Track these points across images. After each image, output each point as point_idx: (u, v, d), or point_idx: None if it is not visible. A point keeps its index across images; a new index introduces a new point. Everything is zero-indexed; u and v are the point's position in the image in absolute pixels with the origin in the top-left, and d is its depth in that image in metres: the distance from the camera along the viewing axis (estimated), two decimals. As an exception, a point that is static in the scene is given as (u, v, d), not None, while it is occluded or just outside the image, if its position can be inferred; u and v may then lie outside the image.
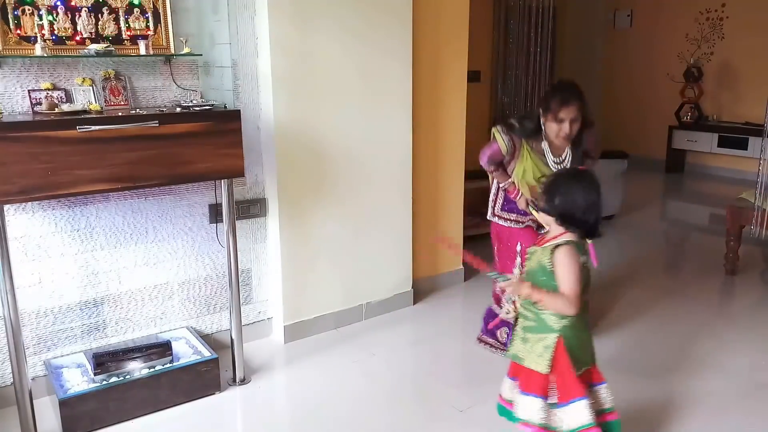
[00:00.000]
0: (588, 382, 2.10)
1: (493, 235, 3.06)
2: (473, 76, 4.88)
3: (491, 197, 3.05)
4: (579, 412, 2.01)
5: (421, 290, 3.82)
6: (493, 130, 2.92)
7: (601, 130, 8.50)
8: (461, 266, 4.07)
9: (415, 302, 3.72)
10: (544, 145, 2.83)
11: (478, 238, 4.28)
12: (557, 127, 2.72)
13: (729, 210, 4.15)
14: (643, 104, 8.06)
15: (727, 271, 4.22)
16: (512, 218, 2.94)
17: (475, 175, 4.79)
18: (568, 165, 2.83)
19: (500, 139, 2.86)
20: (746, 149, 6.98)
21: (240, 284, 2.95)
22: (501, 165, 2.94)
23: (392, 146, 3.45)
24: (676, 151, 7.71)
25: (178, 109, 2.54)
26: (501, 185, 2.95)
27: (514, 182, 2.89)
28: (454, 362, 3.14)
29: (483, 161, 2.96)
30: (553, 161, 2.85)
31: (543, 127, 2.81)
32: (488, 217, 3.04)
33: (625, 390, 2.56)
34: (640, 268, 4.30)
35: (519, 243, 2.87)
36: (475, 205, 5.04)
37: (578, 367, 2.05)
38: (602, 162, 5.32)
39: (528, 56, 5.53)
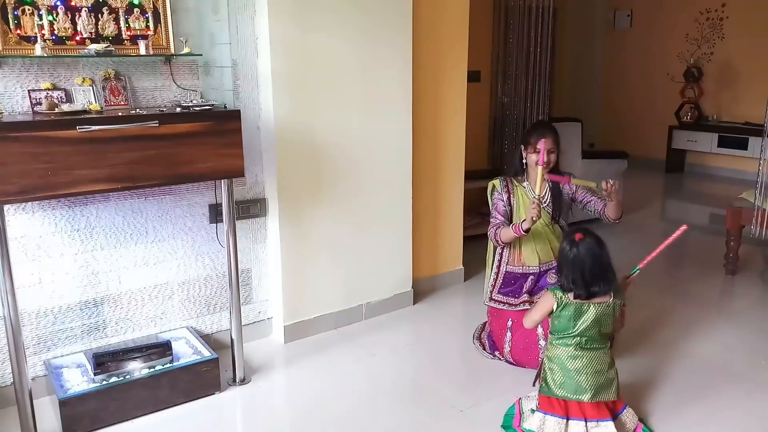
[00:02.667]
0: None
1: (489, 311, 3.20)
2: (473, 76, 4.87)
3: (491, 282, 3.18)
4: None
5: (421, 290, 3.82)
6: (490, 183, 3.19)
7: (601, 130, 8.50)
8: (461, 266, 4.07)
9: (415, 302, 3.72)
10: (526, 184, 3.11)
11: (478, 238, 4.28)
12: (536, 157, 3.00)
13: (729, 210, 4.15)
14: (643, 104, 8.07)
15: (727, 271, 4.23)
16: (506, 301, 3.08)
17: (475, 175, 4.80)
18: (549, 203, 3.07)
19: (497, 184, 3.12)
20: (746, 149, 6.99)
21: (240, 284, 2.95)
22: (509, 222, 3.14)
23: (392, 146, 3.45)
24: (676, 151, 7.71)
25: (178, 109, 2.54)
26: (520, 230, 2.93)
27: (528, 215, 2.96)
28: (454, 362, 3.14)
29: (494, 224, 3.10)
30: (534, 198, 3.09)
31: (525, 163, 3.10)
32: (485, 302, 3.18)
33: (623, 390, 2.55)
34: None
35: (510, 319, 3.02)
36: (475, 205, 5.05)
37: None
38: (602, 162, 5.38)
39: (528, 56, 5.51)
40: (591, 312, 2.32)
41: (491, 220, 3.14)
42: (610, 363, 2.40)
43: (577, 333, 2.34)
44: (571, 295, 2.35)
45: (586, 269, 2.30)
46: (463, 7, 3.74)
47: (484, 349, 3.12)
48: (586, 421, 2.33)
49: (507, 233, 3.00)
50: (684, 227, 2.56)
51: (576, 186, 3.08)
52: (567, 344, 2.36)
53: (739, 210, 4.08)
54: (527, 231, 2.89)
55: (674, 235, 2.55)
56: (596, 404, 2.34)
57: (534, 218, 2.82)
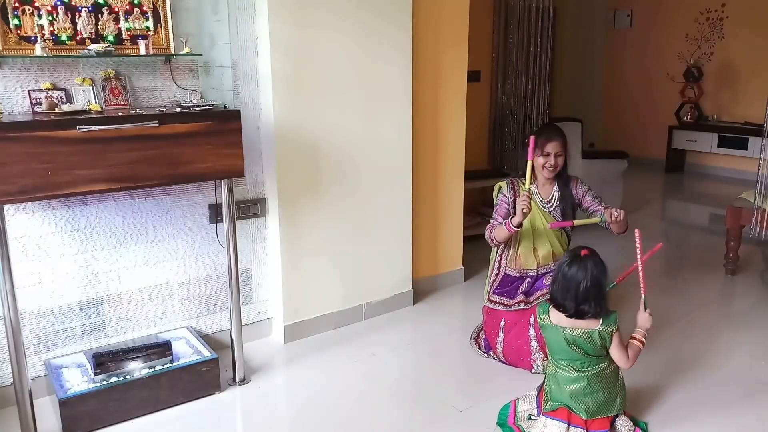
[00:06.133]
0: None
1: (483, 311, 3.19)
2: (473, 76, 4.88)
3: (489, 282, 3.20)
4: None
5: (421, 290, 3.82)
6: (497, 184, 3.19)
7: (601, 130, 8.50)
8: (461, 266, 4.07)
9: (415, 302, 3.72)
10: (533, 187, 3.10)
11: (478, 238, 4.27)
12: (544, 160, 3.02)
13: (729, 210, 4.15)
14: (643, 104, 8.06)
15: (727, 271, 4.22)
16: (500, 301, 3.07)
17: (475, 175, 4.80)
18: (556, 207, 3.07)
19: (504, 186, 3.13)
20: (746, 149, 6.99)
21: (240, 284, 2.95)
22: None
23: (392, 146, 3.45)
24: (676, 151, 7.71)
25: (178, 109, 2.54)
26: (510, 226, 2.96)
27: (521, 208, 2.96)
28: (454, 362, 3.14)
29: (491, 227, 3.10)
30: (541, 200, 3.09)
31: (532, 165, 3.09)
32: (484, 303, 3.18)
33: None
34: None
35: (503, 319, 3.01)
36: (475, 205, 5.05)
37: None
38: (602, 162, 5.37)
39: (528, 56, 5.51)
40: (569, 337, 2.29)
41: (491, 221, 3.14)
42: (611, 381, 2.35)
43: (563, 357, 2.34)
44: (552, 316, 2.34)
45: (582, 287, 2.26)
46: (463, 7, 3.74)
47: (480, 348, 3.13)
48: (586, 431, 2.34)
49: (500, 232, 3.00)
50: (659, 245, 2.56)
51: (583, 192, 3.08)
52: (563, 366, 2.35)
53: (739, 210, 4.08)
54: (519, 226, 2.89)
55: (649, 253, 2.54)
56: (596, 420, 2.34)
57: (524, 210, 2.82)
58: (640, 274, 2.48)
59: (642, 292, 2.47)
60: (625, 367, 2.38)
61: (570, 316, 2.30)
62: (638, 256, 2.48)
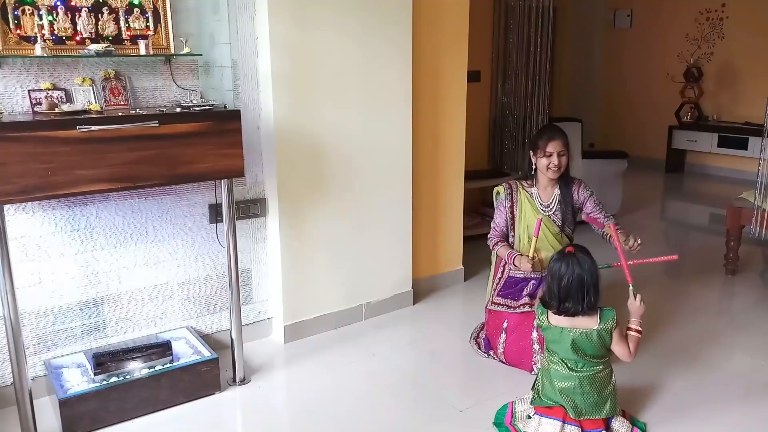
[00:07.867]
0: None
1: (486, 312, 3.18)
2: (473, 76, 4.87)
3: (492, 285, 3.20)
4: None
5: (421, 290, 3.82)
6: (495, 189, 3.21)
7: (601, 130, 8.50)
8: (461, 266, 4.07)
9: (415, 302, 3.72)
10: (534, 190, 3.11)
11: (478, 238, 4.28)
12: (547, 161, 3.00)
13: (729, 210, 4.15)
14: (643, 104, 8.06)
15: (727, 271, 4.22)
16: (505, 303, 3.07)
17: (475, 175, 4.80)
18: (556, 211, 3.07)
19: (501, 191, 3.15)
20: (746, 149, 6.99)
21: (240, 284, 2.95)
22: (506, 238, 3.15)
23: (392, 146, 3.45)
24: (676, 151, 7.71)
25: (178, 109, 2.54)
26: (511, 262, 3.03)
27: (520, 253, 3.04)
28: (454, 362, 3.14)
29: (493, 235, 3.16)
30: (541, 204, 3.09)
31: (535, 167, 3.10)
32: (487, 305, 3.15)
33: (623, 390, 2.56)
34: (639, 268, 4.28)
35: (506, 320, 3.00)
36: (475, 205, 5.05)
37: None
38: (602, 162, 5.38)
39: (528, 56, 5.50)
40: (568, 338, 2.29)
41: (491, 231, 3.18)
42: (602, 384, 2.34)
43: (561, 356, 2.34)
44: (550, 317, 2.34)
45: (563, 283, 2.27)
46: (463, 7, 3.74)
47: (480, 348, 3.12)
48: (581, 429, 2.33)
49: (502, 253, 3.08)
50: (674, 257, 2.62)
51: (585, 198, 3.09)
52: (556, 362, 2.35)
53: (739, 210, 4.08)
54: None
55: (661, 258, 2.59)
56: (590, 419, 2.34)
57: (524, 270, 2.95)
58: (623, 265, 2.49)
59: (629, 281, 2.47)
60: (628, 361, 2.38)
61: (557, 313, 2.31)
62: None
